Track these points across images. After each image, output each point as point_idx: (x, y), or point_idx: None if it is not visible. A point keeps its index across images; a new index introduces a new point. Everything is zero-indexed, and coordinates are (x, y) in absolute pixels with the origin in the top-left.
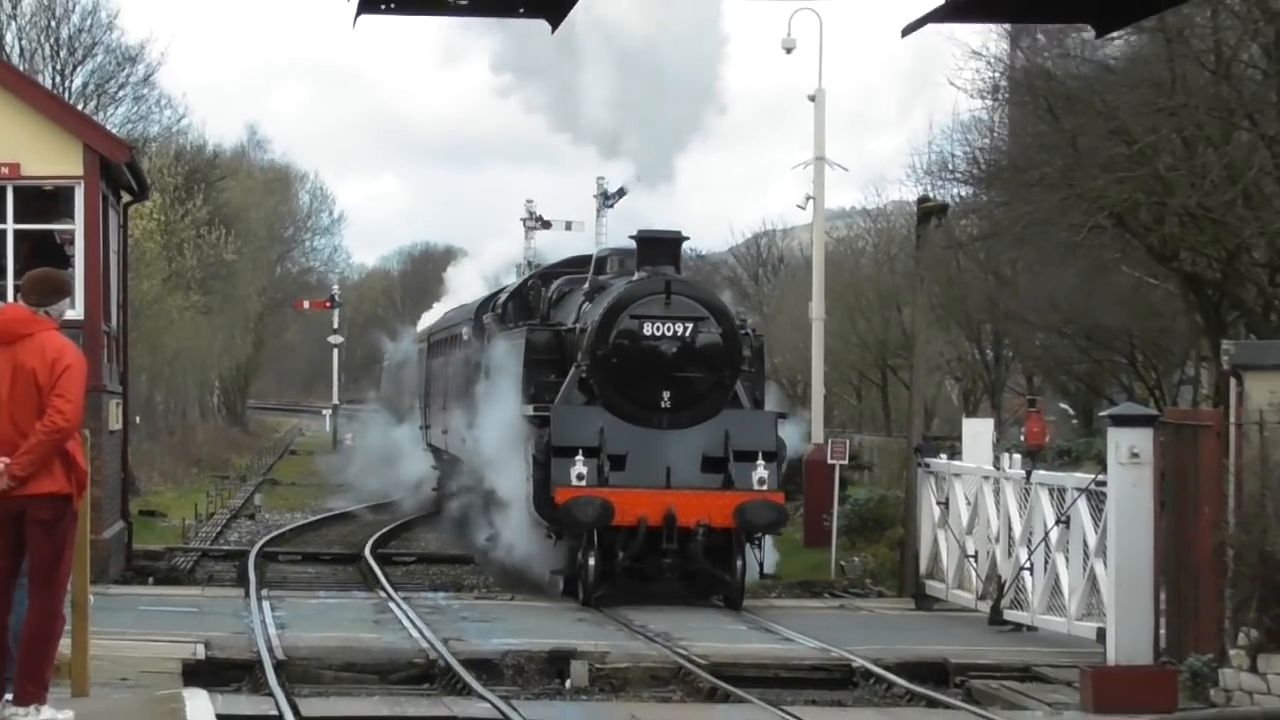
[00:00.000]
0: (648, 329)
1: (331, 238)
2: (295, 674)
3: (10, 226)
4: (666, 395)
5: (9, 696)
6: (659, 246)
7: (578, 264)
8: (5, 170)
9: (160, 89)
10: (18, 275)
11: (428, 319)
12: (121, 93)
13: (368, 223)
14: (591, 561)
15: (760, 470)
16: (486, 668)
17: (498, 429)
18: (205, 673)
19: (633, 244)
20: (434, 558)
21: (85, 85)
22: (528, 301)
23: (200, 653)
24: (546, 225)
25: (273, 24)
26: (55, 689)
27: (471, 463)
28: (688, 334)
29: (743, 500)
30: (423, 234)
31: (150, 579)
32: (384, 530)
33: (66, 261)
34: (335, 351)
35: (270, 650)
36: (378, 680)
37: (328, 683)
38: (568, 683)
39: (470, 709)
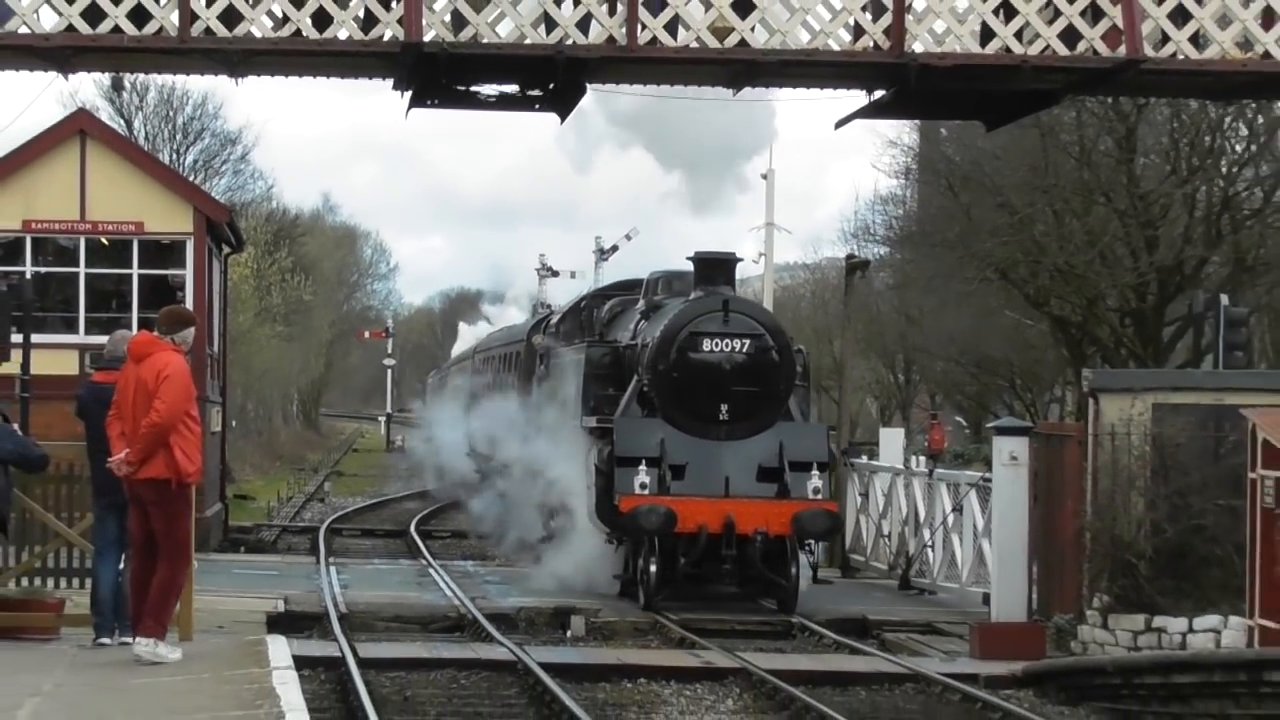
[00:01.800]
0: (707, 345)
1: (387, 282)
2: (355, 624)
3: (135, 272)
4: (724, 408)
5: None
6: (716, 267)
7: (626, 287)
8: (131, 227)
9: (254, 164)
10: (142, 310)
11: (460, 346)
12: (224, 167)
13: (417, 269)
14: (653, 567)
15: (815, 480)
16: (504, 620)
17: (556, 439)
18: (284, 623)
19: (678, 267)
20: (465, 534)
21: (195, 161)
22: (581, 321)
23: (280, 607)
24: (555, 274)
25: (345, 112)
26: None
27: (524, 470)
28: (745, 350)
29: (799, 509)
30: (459, 279)
31: (241, 548)
32: (425, 512)
33: (177, 300)
34: (389, 371)
35: (335, 605)
36: (419, 629)
37: (380, 631)
38: (568, 633)
39: (492, 652)
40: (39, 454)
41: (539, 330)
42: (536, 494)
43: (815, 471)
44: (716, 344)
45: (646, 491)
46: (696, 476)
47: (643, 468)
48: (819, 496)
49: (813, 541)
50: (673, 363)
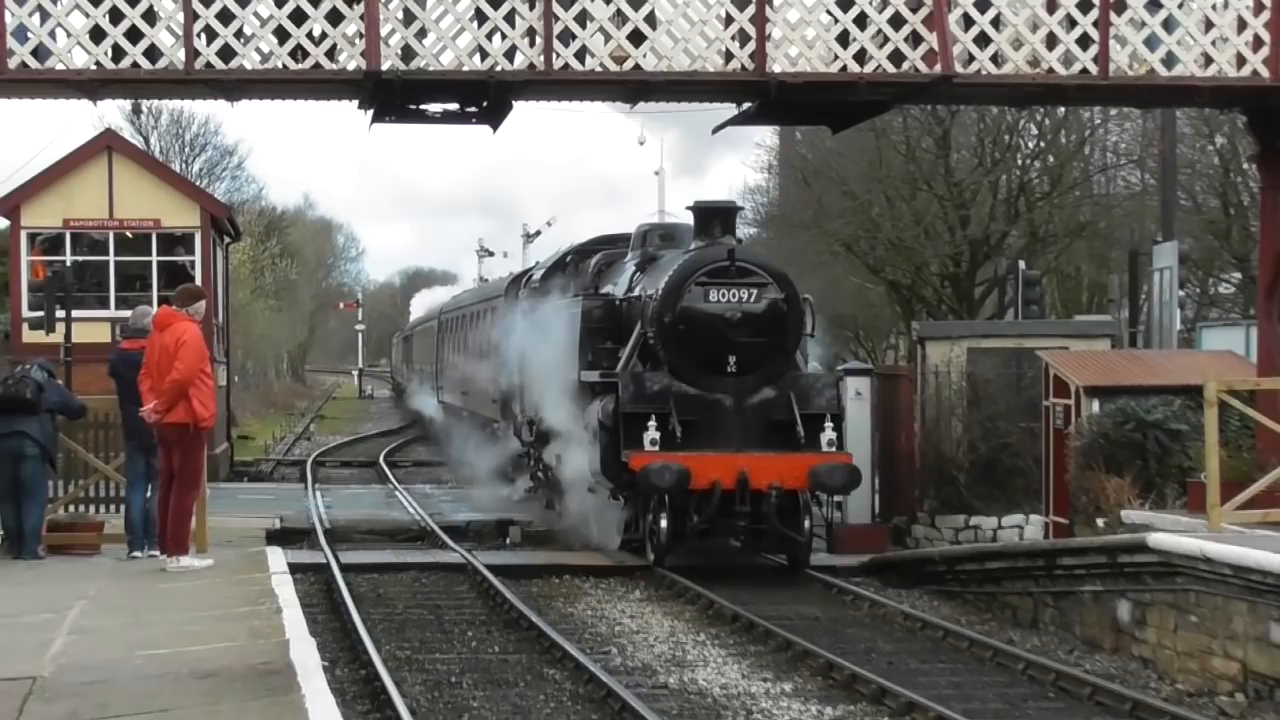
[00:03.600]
0: (713, 295)
1: (356, 264)
2: (336, 536)
3: (154, 259)
4: (732, 360)
5: (151, 553)
6: (716, 216)
7: (609, 241)
8: (150, 223)
9: (248, 171)
10: (160, 289)
11: (416, 312)
12: (223, 173)
13: (383, 251)
14: (664, 524)
15: (829, 432)
16: (456, 531)
17: (548, 394)
18: (280, 537)
19: (667, 220)
20: (424, 463)
21: (200, 169)
22: (566, 276)
23: (277, 524)
24: (491, 254)
25: (320, 127)
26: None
27: (511, 424)
28: (752, 300)
29: (815, 462)
30: (416, 260)
31: (245, 478)
32: (391, 446)
33: (190, 280)
34: (359, 335)
35: (320, 522)
36: (388, 539)
37: (356, 542)
38: (508, 540)
39: (447, 557)
40: (78, 404)
41: (519, 286)
42: (526, 448)
43: (830, 424)
44: (723, 294)
45: (657, 448)
46: (706, 431)
47: (653, 424)
48: (834, 449)
49: (824, 495)
50: (678, 314)
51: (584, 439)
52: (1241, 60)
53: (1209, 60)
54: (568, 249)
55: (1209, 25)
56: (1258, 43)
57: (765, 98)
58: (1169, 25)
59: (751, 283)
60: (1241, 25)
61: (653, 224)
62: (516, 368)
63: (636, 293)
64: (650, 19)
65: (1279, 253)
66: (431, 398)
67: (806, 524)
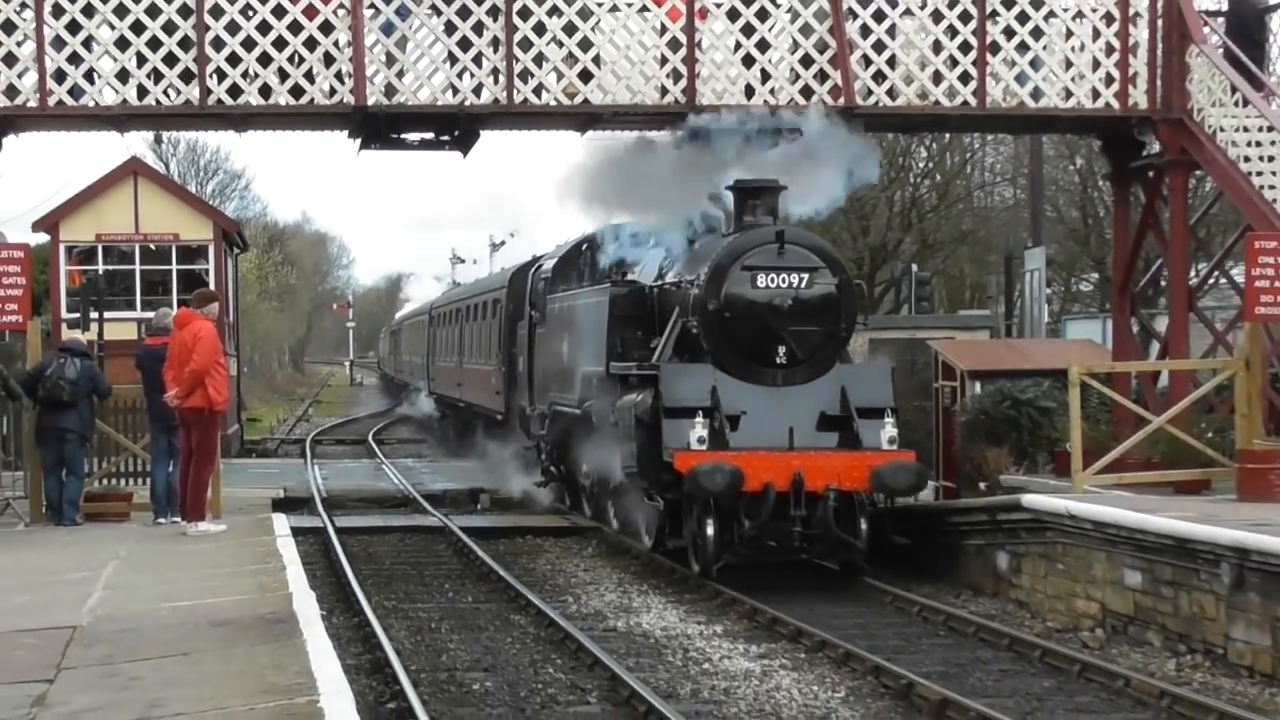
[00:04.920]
0: (761, 281)
1: (348, 270)
2: (332, 504)
3: (174, 267)
4: (782, 351)
5: (173, 519)
6: (758, 196)
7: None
8: (170, 237)
9: (254, 191)
10: (179, 293)
11: (409, 308)
12: (233, 194)
13: (372, 258)
14: (710, 530)
15: (890, 428)
16: (435, 498)
17: (568, 387)
18: (284, 505)
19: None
20: (407, 440)
21: (213, 190)
22: (581, 266)
23: (281, 494)
24: (462, 261)
25: (315, 153)
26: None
27: (511, 415)
28: (803, 285)
29: (878, 462)
30: (400, 266)
31: (253, 455)
32: (379, 427)
33: (205, 285)
34: (350, 331)
35: (318, 492)
36: (376, 506)
37: (349, 508)
38: (479, 506)
39: (426, 520)
40: (106, 386)
41: (526, 278)
42: (536, 441)
43: (888, 419)
44: (771, 279)
45: (704, 447)
46: (753, 428)
47: (699, 420)
48: (895, 447)
49: (880, 497)
50: (724, 301)
51: (612, 435)
52: (1096, 94)
53: (1069, 94)
54: (581, 237)
55: (1069, 64)
56: (1109, 79)
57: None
58: (1036, 64)
59: (802, 267)
60: (1096, 64)
61: None
62: (526, 360)
63: (670, 279)
64: (597, 60)
65: (1129, 257)
66: (423, 389)
67: (863, 526)
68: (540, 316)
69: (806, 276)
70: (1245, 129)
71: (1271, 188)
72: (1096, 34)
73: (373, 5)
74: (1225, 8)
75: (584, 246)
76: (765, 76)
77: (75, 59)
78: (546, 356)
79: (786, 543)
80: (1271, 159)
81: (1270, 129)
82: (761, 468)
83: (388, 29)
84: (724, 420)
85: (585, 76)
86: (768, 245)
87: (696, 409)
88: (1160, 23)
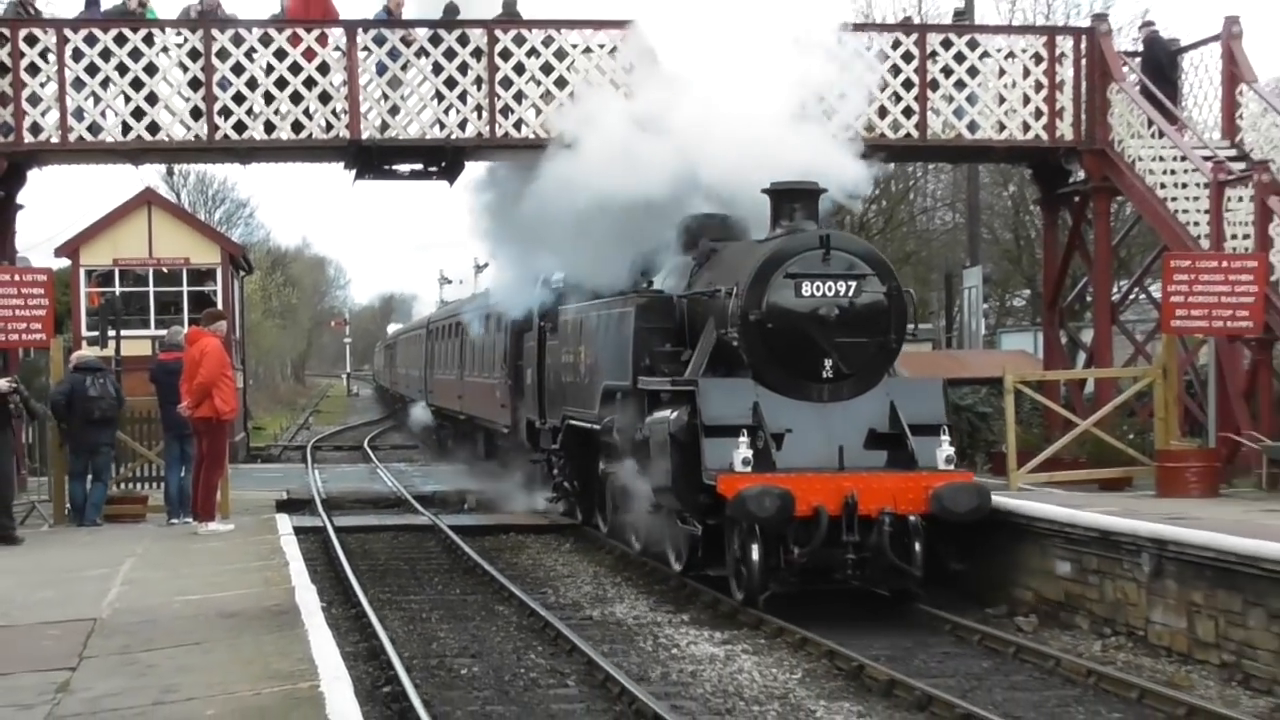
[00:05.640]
0: (806, 289)
1: (344, 290)
2: (331, 504)
3: (185, 289)
4: (828, 364)
5: (185, 520)
6: (797, 198)
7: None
8: (181, 261)
9: (257, 219)
10: (190, 313)
11: (403, 325)
12: (238, 221)
13: (367, 279)
14: (755, 556)
15: (947, 447)
16: (425, 499)
17: (587, 401)
18: (287, 506)
19: (711, 213)
20: (400, 446)
21: (220, 217)
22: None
23: (284, 495)
24: (449, 281)
25: (313, 182)
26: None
27: (515, 429)
28: (850, 293)
29: (937, 483)
30: (392, 286)
31: (259, 460)
32: (373, 434)
33: (213, 305)
34: (347, 346)
35: (318, 493)
36: (372, 507)
37: (347, 508)
38: (465, 506)
39: (418, 519)
40: (124, 398)
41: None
42: (547, 456)
43: (945, 437)
44: (817, 287)
45: (749, 469)
46: (799, 446)
47: (744, 440)
48: (952, 466)
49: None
50: (766, 311)
51: (638, 453)
52: (1027, 127)
53: (1003, 127)
54: None
55: (1002, 100)
56: (1039, 114)
57: None
58: (972, 100)
59: (849, 274)
60: (1026, 100)
61: (693, 215)
62: (534, 373)
63: (701, 288)
64: (572, 96)
65: (1058, 275)
66: (420, 402)
67: (917, 550)
68: (551, 328)
69: (854, 284)
70: (1161, 158)
71: (1185, 211)
72: (1027, 72)
73: (366, 48)
74: (1141, 49)
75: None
76: None
77: (94, 98)
78: (558, 370)
79: (838, 570)
80: (1184, 185)
81: (1183, 158)
82: (811, 490)
83: (380, 69)
84: (770, 439)
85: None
86: (812, 251)
87: (739, 427)
88: (1084, 62)
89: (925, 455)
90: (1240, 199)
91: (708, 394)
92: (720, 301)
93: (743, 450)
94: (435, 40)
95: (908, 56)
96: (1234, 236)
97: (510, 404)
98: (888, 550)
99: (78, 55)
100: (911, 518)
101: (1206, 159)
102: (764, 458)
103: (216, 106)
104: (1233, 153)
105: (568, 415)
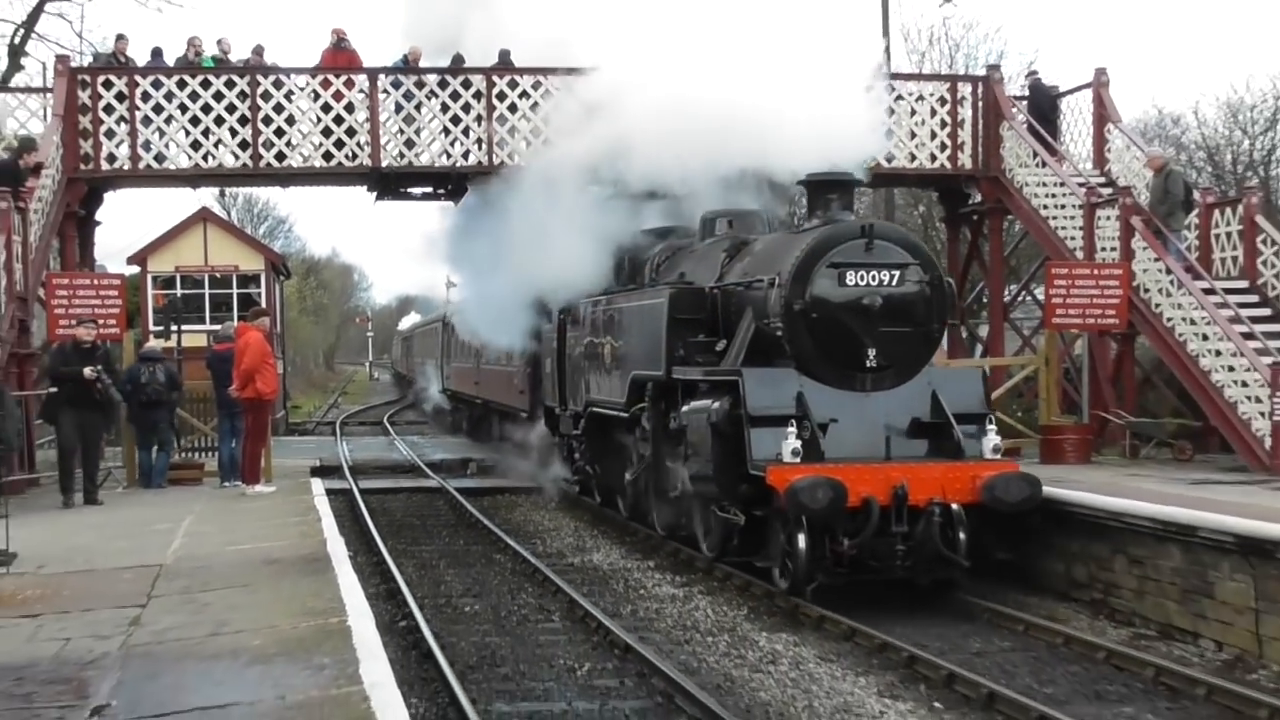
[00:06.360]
0: (850, 278)
1: (368, 292)
2: (356, 470)
3: (235, 291)
4: (872, 354)
5: (235, 483)
6: (834, 189)
7: (660, 234)
8: (232, 268)
9: (295, 232)
10: (238, 311)
11: (408, 321)
12: (279, 234)
13: (387, 280)
14: (802, 545)
15: (993, 436)
16: (436, 465)
17: (615, 389)
18: (320, 471)
19: (731, 207)
20: (413, 422)
21: (264, 231)
22: (614, 271)
23: (318, 463)
24: (454, 284)
25: (340, 203)
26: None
27: (534, 413)
28: (893, 283)
29: (989, 473)
30: (407, 288)
31: (296, 434)
32: (392, 412)
33: (258, 304)
34: (369, 339)
35: (346, 461)
36: (390, 472)
37: (369, 473)
38: (468, 471)
39: (428, 482)
40: (179, 381)
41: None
42: (567, 441)
43: (991, 426)
44: (860, 276)
45: (799, 460)
46: (843, 436)
47: (792, 430)
48: (999, 456)
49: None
50: (810, 301)
51: (670, 441)
52: (934, 157)
53: (914, 157)
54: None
55: (914, 135)
56: (944, 147)
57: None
58: (889, 134)
59: (893, 263)
60: (934, 135)
61: (716, 211)
62: (554, 361)
63: (734, 279)
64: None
65: (960, 280)
66: (435, 386)
67: (962, 544)
68: (570, 319)
69: (897, 274)
70: (1044, 184)
71: (1063, 228)
72: (934, 112)
73: (386, 90)
74: (1027, 94)
75: (616, 249)
76: None
77: (159, 133)
78: (580, 358)
79: (888, 561)
80: (1063, 206)
81: (1061, 184)
82: (861, 481)
83: (398, 108)
84: (817, 428)
85: (546, 145)
86: (855, 240)
87: (785, 417)
88: (980, 104)
89: (971, 445)
90: (1108, 218)
91: (752, 384)
92: (760, 292)
93: (792, 441)
94: (443, 84)
95: None
96: (1103, 249)
97: (529, 390)
98: (937, 540)
99: (146, 97)
100: (955, 507)
101: (1081, 185)
102: (811, 448)
103: (261, 140)
104: (1102, 180)
105: (591, 402)
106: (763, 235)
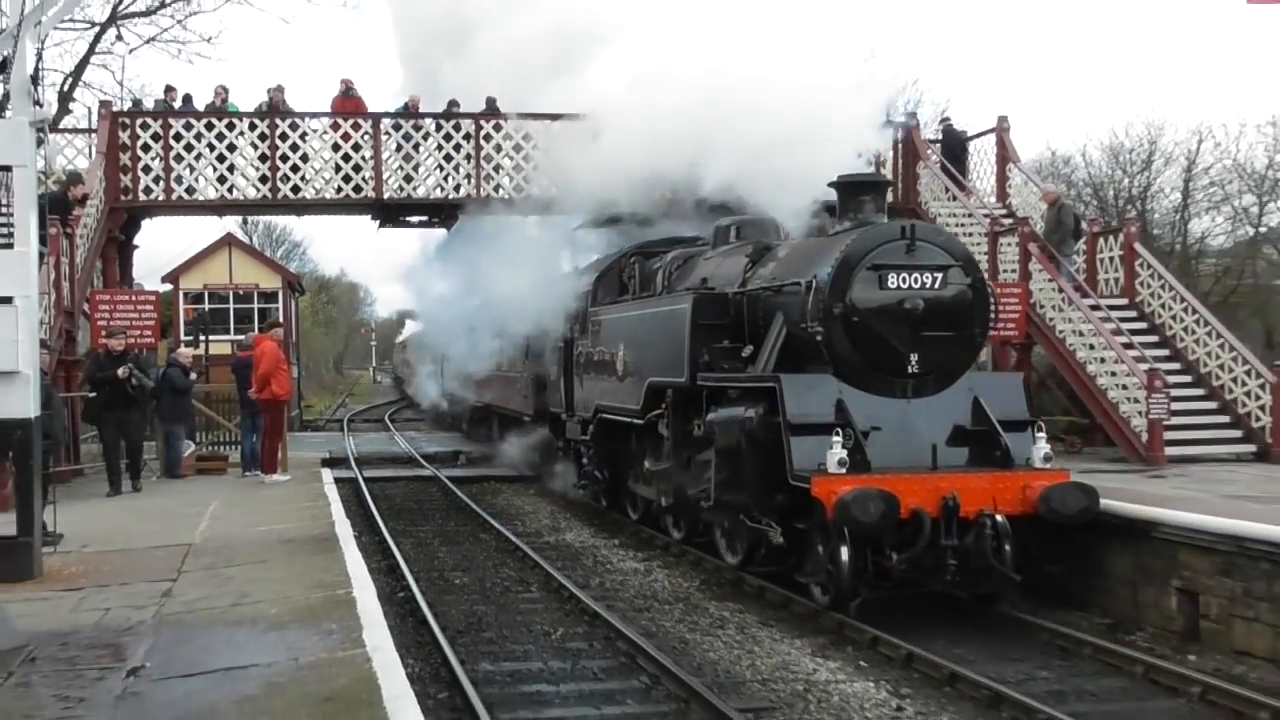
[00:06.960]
0: (891, 281)
1: (372, 307)
2: (361, 461)
3: (255, 306)
4: (914, 359)
5: (255, 474)
6: (867, 191)
7: (669, 244)
8: (253, 286)
9: (309, 254)
10: (258, 324)
11: (410, 329)
12: (295, 256)
13: (387, 299)
14: (845, 557)
15: (1043, 444)
16: (430, 457)
17: (630, 396)
18: (329, 462)
19: (747, 215)
20: (411, 419)
21: (281, 254)
22: (624, 280)
23: (328, 455)
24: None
25: (349, 230)
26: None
27: (538, 416)
28: (936, 286)
29: (1044, 483)
30: (405, 304)
31: (309, 430)
32: (392, 411)
33: (275, 317)
34: (373, 348)
35: (352, 453)
36: (391, 463)
37: (373, 464)
38: (459, 462)
39: (424, 472)
40: (184, 385)
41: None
42: (575, 445)
43: (1040, 434)
44: (902, 279)
45: (845, 470)
46: (887, 445)
47: (838, 439)
48: (1049, 465)
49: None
50: (850, 304)
51: (693, 449)
52: None
53: None
54: (619, 252)
55: None
56: None
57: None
58: None
59: (934, 265)
60: None
61: (731, 219)
62: (560, 368)
63: (760, 284)
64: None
65: None
66: (436, 388)
67: (1008, 551)
68: (580, 327)
69: (939, 276)
70: (954, 215)
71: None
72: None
73: (388, 132)
74: (941, 137)
75: (624, 260)
76: None
77: (189, 168)
78: (590, 365)
79: (938, 575)
80: (970, 234)
81: (969, 215)
82: (909, 492)
83: (398, 147)
84: (860, 437)
85: (529, 179)
86: (895, 242)
87: (828, 426)
88: (900, 146)
89: (1020, 453)
90: (1009, 244)
91: (791, 390)
92: (793, 296)
93: (838, 450)
94: (439, 127)
95: None
96: (1005, 271)
97: (533, 396)
98: (989, 553)
99: (178, 137)
100: (999, 518)
101: (986, 216)
102: (855, 458)
103: (279, 174)
104: (1004, 212)
105: (601, 409)
106: (783, 241)
